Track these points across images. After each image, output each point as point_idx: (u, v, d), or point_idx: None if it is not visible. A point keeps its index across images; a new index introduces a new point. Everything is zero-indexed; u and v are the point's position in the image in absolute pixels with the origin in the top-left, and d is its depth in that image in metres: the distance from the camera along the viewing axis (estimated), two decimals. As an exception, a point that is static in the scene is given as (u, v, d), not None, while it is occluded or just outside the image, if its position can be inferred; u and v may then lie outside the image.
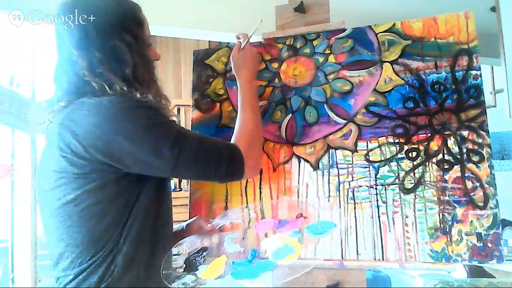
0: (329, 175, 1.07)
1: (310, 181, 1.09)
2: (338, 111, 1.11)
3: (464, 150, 0.98)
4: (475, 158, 0.97)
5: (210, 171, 0.84)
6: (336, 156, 1.08)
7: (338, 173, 1.07)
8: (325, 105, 1.13)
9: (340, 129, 1.09)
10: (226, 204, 1.14)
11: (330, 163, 1.08)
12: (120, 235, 0.77)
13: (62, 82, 0.83)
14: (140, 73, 0.85)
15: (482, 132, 0.97)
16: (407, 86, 1.06)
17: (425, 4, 1.99)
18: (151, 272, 0.81)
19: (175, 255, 0.90)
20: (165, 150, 0.77)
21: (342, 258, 1.00)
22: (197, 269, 0.87)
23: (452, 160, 0.98)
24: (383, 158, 1.04)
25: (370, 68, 1.10)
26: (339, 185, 1.06)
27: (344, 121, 1.09)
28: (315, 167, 1.09)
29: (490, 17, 1.81)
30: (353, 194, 1.04)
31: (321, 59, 1.17)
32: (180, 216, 1.14)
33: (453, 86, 1.02)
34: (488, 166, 0.95)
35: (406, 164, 1.01)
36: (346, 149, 1.07)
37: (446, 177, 0.98)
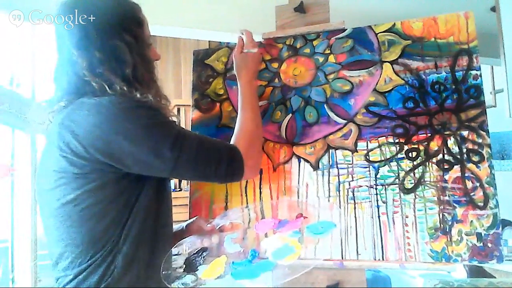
0: (329, 175, 1.07)
1: (310, 181, 1.09)
2: (338, 111, 1.11)
3: (464, 150, 0.98)
4: (475, 158, 0.97)
5: (210, 171, 0.84)
6: (336, 156, 1.08)
7: (338, 173, 1.07)
8: (325, 105, 1.13)
9: (340, 129, 1.09)
10: (226, 204, 1.14)
11: (330, 163, 1.08)
12: (120, 235, 0.77)
13: (62, 82, 0.83)
14: (140, 73, 0.85)
15: (482, 132, 0.97)
16: (407, 86, 1.06)
17: (425, 4, 1.99)
18: (151, 272, 0.81)
19: (175, 255, 0.90)
20: (165, 150, 0.77)
21: (342, 258, 1.00)
22: (197, 269, 0.87)
23: (452, 160, 0.98)
24: (383, 158, 1.04)
25: (370, 68, 1.10)
26: (339, 185, 1.06)
27: (344, 121, 1.09)
28: (315, 167, 1.09)
29: (490, 17, 1.81)
30: (353, 194, 1.04)
31: (321, 59, 1.17)
32: (180, 216, 1.14)
33: (453, 86, 1.02)
34: (488, 166, 0.95)
35: (406, 164, 1.01)
36: (346, 149, 1.07)
37: (446, 177, 0.98)
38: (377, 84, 1.09)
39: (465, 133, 0.99)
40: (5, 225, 1.78)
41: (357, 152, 1.06)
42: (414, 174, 1.00)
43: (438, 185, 0.98)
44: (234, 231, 0.95)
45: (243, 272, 0.80)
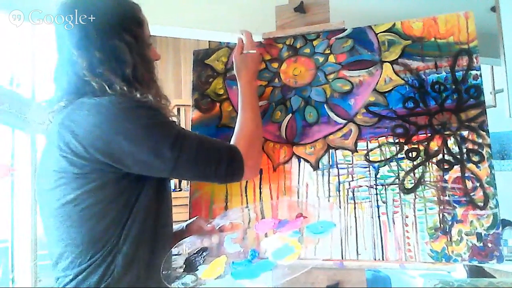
0: (329, 175, 1.07)
1: (310, 181, 1.09)
2: (338, 111, 1.11)
3: (464, 150, 0.98)
4: (475, 158, 0.97)
5: (210, 171, 0.84)
6: (336, 156, 1.08)
7: (338, 173, 1.07)
8: (325, 105, 1.13)
9: (340, 129, 1.09)
10: (226, 204, 1.14)
11: (330, 163, 1.08)
12: (120, 235, 0.77)
13: (62, 82, 0.83)
14: (140, 73, 0.85)
15: (482, 132, 0.97)
16: (407, 86, 1.06)
17: (425, 4, 1.99)
18: (151, 272, 0.81)
19: (175, 255, 0.90)
20: (165, 150, 0.77)
21: (342, 258, 1.00)
22: (197, 269, 0.87)
23: (452, 160, 0.98)
24: (383, 158, 1.04)
25: (370, 68, 1.10)
26: (339, 185, 1.06)
27: (344, 121, 1.09)
28: (315, 167, 1.09)
29: (490, 17, 1.81)
30: (353, 194, 1.04)
31: (321, 59, 1.17)
32: (180, 216, 1.14)
33: (453, 86, 1.02)
34: (488, 166, 0.95)
35: (406, 164, 1.01)
36: (346, 149, 1.07)
37: (446, 177, 0.98)
38: (377, 84, 1.09)
39: (465, 133, 0.99)
40: (5, 225, 1.78)
41: (357, 152, 1.06)
42: (414, 174, 1.00)
43: (438, 185, 0.98)
44: (234, 231, 0.95)
45: (243, 272, 0.80)
